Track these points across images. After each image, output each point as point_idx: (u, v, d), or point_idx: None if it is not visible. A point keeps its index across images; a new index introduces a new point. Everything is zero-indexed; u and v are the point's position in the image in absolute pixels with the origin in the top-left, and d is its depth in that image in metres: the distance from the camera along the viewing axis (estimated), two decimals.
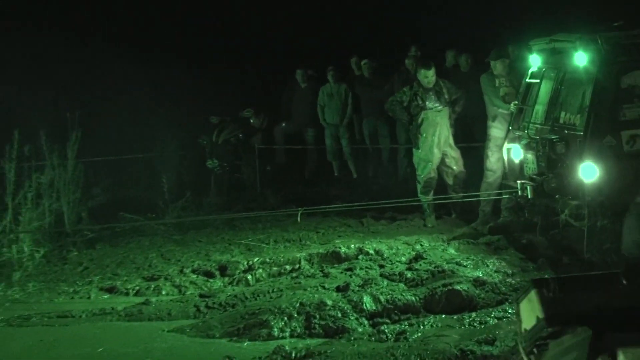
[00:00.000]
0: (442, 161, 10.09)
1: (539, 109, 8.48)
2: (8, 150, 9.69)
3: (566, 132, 7.66)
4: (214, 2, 17.22)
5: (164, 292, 7.83)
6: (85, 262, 9.26)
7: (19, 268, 8.89)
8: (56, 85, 15.07)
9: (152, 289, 7.93)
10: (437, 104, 9.93)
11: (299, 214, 8.51)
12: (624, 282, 3.21)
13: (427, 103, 9.90)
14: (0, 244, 9.28)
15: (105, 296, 7.93)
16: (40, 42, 15.19)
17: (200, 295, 7.53)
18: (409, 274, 7.49)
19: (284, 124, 14.67)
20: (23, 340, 6.56)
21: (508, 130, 9.02)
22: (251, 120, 13.93)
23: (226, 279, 8.18)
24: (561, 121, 7.92)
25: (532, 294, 3.28)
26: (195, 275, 8.27)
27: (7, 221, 9.50)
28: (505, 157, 8.90)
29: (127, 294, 7.89)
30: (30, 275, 8.75)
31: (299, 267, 8.30)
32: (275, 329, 6.28)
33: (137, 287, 7.99)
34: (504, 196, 9.09)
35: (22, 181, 9.86)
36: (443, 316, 6.49)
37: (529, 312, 3.29)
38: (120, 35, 16.30)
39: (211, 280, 8.17)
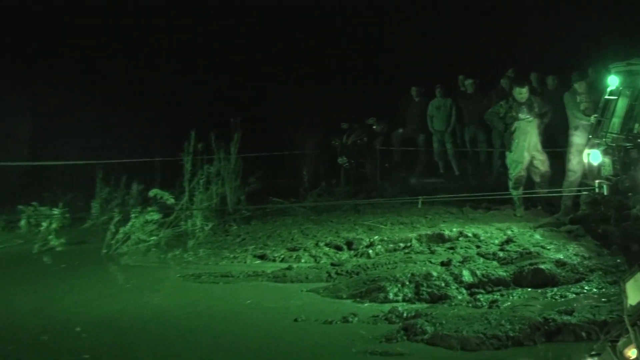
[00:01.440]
0: (531, 163, 9.83)
1: (616, 121, 8.26)
2: (186, 147, 10.01)
3: (639, 140, 7.39)
4: (355, 28, 17.23)
5: (303, 260, 7.90)
6: (242, 235, 9.44)
7: (192, 237, 9.18)
8: (223, 95, 15.48)
9: (293, 257, 8.02)
10: (528, 116, 9.69)
11: (420, 202, 8.48)
12: None
13: (520, 115, 9.67)
14: (179, 219, 9.60)
15: (257, 261, 8.06)
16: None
17: (331, 264, 7.56)
18: (501, 254, 7.29)
19: (400, 130, 14.61)
20: (195, 292, 6.76)
21: (588, 138, 8.69)
22: (374, 127, 13.93)
23: (352, 252, 8.17)
24: (635, 131, 7.71)
25: (638, 275, 3.38)
26: (327, 248, 8.30)
27: (185, 201, 9.82)
28: (585, 160, 8.57)
29: (274, 260, 8.00)
30: (201, 243, 8.99)
31: (411, 245, 8.21)
32: (391, 294, 6.23)
33: (282, 256, 8.09)
34: (584, 193, 8.76)
35: (196, 171, 10.17)
36: (529, 290, 6.27)
37: (635, 290, 3.33)
38: (282, 54, 16.62)
39: (340, 252, 8.18)
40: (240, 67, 16.43)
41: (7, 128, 15.39)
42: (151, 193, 9.84)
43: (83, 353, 5.02)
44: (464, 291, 6.27)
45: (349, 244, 8.37)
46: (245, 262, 8.02)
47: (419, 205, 8.79)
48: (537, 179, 9.92)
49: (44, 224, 9.58)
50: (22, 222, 10.14)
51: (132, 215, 9.11)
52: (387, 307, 5.89)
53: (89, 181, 11.05)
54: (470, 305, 5.88)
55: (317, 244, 8.45)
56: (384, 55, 16.81)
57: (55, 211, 9.87)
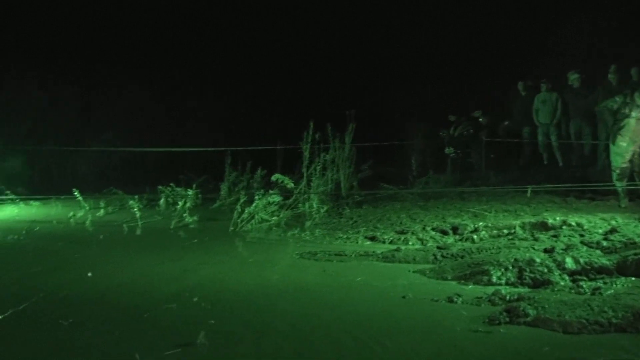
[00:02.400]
0: (635, 155, 9.29)
1: None
2: (305, 136, 10.16)
3: None
4: (466, 23, 16.86)
5: (410, 243, 7.84)
6: (354, 218, 9.48)
7: (309, 218, 9.32)
8: (339, 88, 15.57)
9: (402, 240, 7.97)
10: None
11: (529, 190, 8.24)
12: None
13: (632, 113, 9.16)
14: (297, 201, 9.77)
15: (368, 242, 8.07)
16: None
17: (437, 247, 7.45)
18: (604, 243, 6.92)
19: (506, 123, 14.20)
20: (312, 269, 6.84)
21: None
22: (480, 119, 13.62)
23: (457, 236, 8.03)
24: None
25: None
26: (434, 232, 8.19)
27: (303, 185, 9.99)
28: None
29: (384, 242, 7.99)
30: (317, 224, 9.11)
31: (514, 232, 7.97)
32: (494, 277, 6.06)
33: (391, 238, 8.07)
34: None
35: (314, 158, 10.31)
36: (633, 279, 5.90)
37: None
38: (396, 49, 16.55)
39: (445, 236, 8.06)
40: (355, 62, 16.46)
41: (149, 118, 16.21)
42: (273, 177, 10.11)
43: (210, 319, 5.20)
44: (567, 278, 5.99)
45: (455, 229, 8.22)
46: (357, 243, 8.05)
47: (528, 194, 8.52)
48: (636, 168, 9.38)
49: (180, 203, 10.04)
50: (161, 201, 10.67)
51: (256, 197, 9.36)
52: (490, 289, 5.74)
53: (219, 166, 11.46)
54: (572, 291, 5.61)
55: (424, 228, 8.36)
56: (491, 50, 16.33)
57: (190, 192, 10.33)
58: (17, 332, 5.10)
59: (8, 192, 11.86)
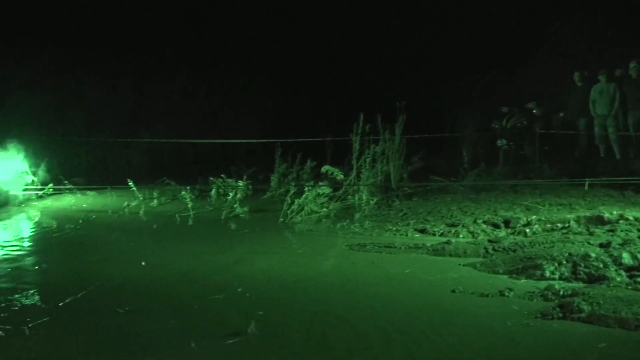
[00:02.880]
0: None
1: None
2: (355, 128, 10.15)
3: None
4: (521, 13, 16.55)
5: (461, 236, 7.75)
6: (404, 210, 9.43)
7: (358, 210, 9.32)
8: (389, 80, 15.48)
9: (452, 232, 7.89)
10: None
11: (587, 183, 8.05)
12: None
13: None
14: (347, 193, 9.77)
15: (418, 235, 8.02)
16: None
17: (489, 240, 7.34)
18: None
19: (561, 114, 13.88)
20: (360, 261, 6.84)
21: None
22: (534, 111, 13.36)
23: (509, 230, 7.90)
24: None
25: None
26: (485, 225, 8.08)
27: (352, 177, 9.99)
28: None
29: (433, 234, 7.93)
30: (366, 216, 9.10)
31: (568, 226, 7.79)
32: (547, 271, 5.95)
33: (442, 231, 8.00)
34: None
35: (363, 150, 10.29)
36: None
37: None
38: (448, 41, 16.39)
39: (497, 230, 7.94)
40: (407, 52, 16.33)
41: (201, 110, 16.44)
42: (323, 169, 10.13)
43: (260, 309, 5.26)
44: (623, 273, 5.83)
45: (506, 222, 8.09)
46: (406, 235, 8.00)
47: (586, 187, 8.31)
48: None
49: (231, 194, 10.17)
50: (213, 192, 10.83)
51: (306, 188, 9.40)
52: (543, 284, 5.64)
53: (269, 157, 11.56)
54: (629, 287, 5.46)
55: (475, 221, 8.25)
56: (547, 39, 15.98)
57: (240, 183, 10.44)
58: (76, 319, 5.27)
59: (66, 182, 12.23)
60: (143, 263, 6.97)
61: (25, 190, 11.89)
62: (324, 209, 9.29)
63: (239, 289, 5.86)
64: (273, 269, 6.62)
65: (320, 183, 9.67)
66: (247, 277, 6.29)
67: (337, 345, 4.47)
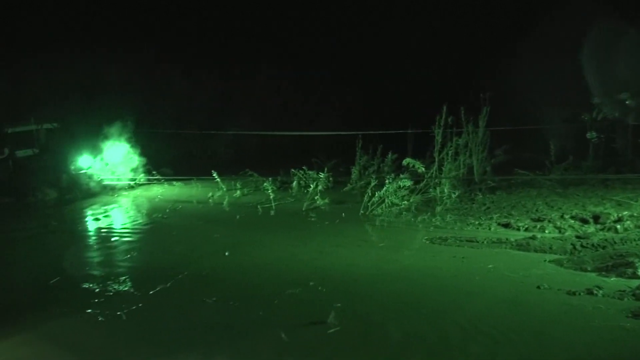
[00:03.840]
0: None
1: None
2: (437, 120, 10.01)
3: None
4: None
5: (547, 231, 7.51)
6: (487, 204, 9.24)
7: (440, 204, 9.20)
8: (474, 70, 15.17)
9: (537, 227, 7.66)
10: None
11: None
12: None
13: None
14: (428, 186, 9.67)
15: (501, 229, 7.83)
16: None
17: (576, 236, 7.09)
18: None
19: None
20: (442, 255, 6.77)
21: None
22: (627, 102, 12.74)
23: (598, 226, 7.58)
24: None
25: None
26: (572, 221, 7.80)
27: (434, 170, 9.87)
28: None
29: (518, 229, 7.72)
30: (448, 210, 8.97)
31: None
32: None
33: (526, 225, 7.78)
34: None
35: (446, 142, 10.15)
36: None
37: None
38: (533, 32, 15.89)
39: (585, 225, 7.64)
40: (492, 43, 15.96)
41: (283, 103, 16.63)
42: (404, 162, 10.05)
43: (342, 300, 5.31)
44: None
45: (596, 218, 7.79)
46: (489, 229, 7.84)
47: None
48: None
49: (312, 186, 10.26)
50: (294, 184, 10.96)
51: (387, 181, 9.36)
52: (635, 282, 5.41)
53: (349, 149, 11.57)
54: None
55: (562, 216, 7.98)
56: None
57: (321, 175, 10.50)
58: (167, 307, 5.52)
59: (155, 172, 12.72)
60: (227, 253, 7.15)
61: (117, 180, 12.47)
62: (405, 202, 9.22)
63: (321, 280, 5.93)
64: (354, 261, 6.65)
65: (402, 175, 9.60)
66: (329, 269, 6.35)
67: (414, 342, 4.45)
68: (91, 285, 6.20)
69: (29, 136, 12.56)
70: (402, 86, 16.15)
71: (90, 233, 9.01)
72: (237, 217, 9.44)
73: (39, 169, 12.25)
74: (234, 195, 11.02)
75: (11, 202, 11.61)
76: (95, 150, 12.58)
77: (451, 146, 10.12)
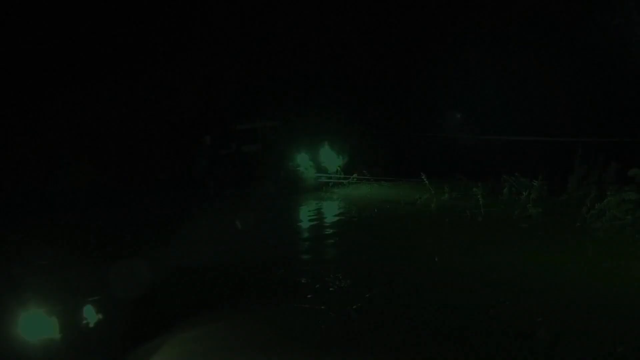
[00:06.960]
0: None
1: None
2: None
3: None
4: None
5: None
6: None
7: None
8: None
9: None
10: None
11: None
12: None
13: None
14: None
15: None
16: None
17: None
18: None
19: None
20: None
21: None
22: None
23: None
24: None
25: None
26: None
27: None
28: None
29: None
30: None
31: None
32: None
33: None
34: None
35: None
36: None
37: None
38: None
39: None
40: None
41: (495, 105, 16.08)
42: (631, 172, 9.14)
43: (538, 316, 5.07)
44: None
45: None
46: None
47: None
48: None
49: (524, 193, 9.80)
50: (505, 190, 10.53)
51: (609, 192, 8.62)
52: None
53: (566, 156, 10.85)
54: None
55: None
56: None
57: (535, 183, 9.97)
58: (394, 310, 5.67)
59: (365, 172, 13.03)
60: (436, 259, 7.14)
61: (330, 178, 13.01)
62: (629, 216, 8.39)
63: (531, 293, 5.74)
64: (567, 277, 6.30)
65: (626, 188, 8.75)
66: (538, 281, 6.08)
67: None
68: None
69: (254, 133, 13.57)
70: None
71: (304, 226, 9.54)
72: (446, 220, 9.33)
73: (261, 164, 13.20)
74: (442, 198, 10.87)
75: (232, 192, 12.61)
76: (312, 148, 13.23)
77: None
